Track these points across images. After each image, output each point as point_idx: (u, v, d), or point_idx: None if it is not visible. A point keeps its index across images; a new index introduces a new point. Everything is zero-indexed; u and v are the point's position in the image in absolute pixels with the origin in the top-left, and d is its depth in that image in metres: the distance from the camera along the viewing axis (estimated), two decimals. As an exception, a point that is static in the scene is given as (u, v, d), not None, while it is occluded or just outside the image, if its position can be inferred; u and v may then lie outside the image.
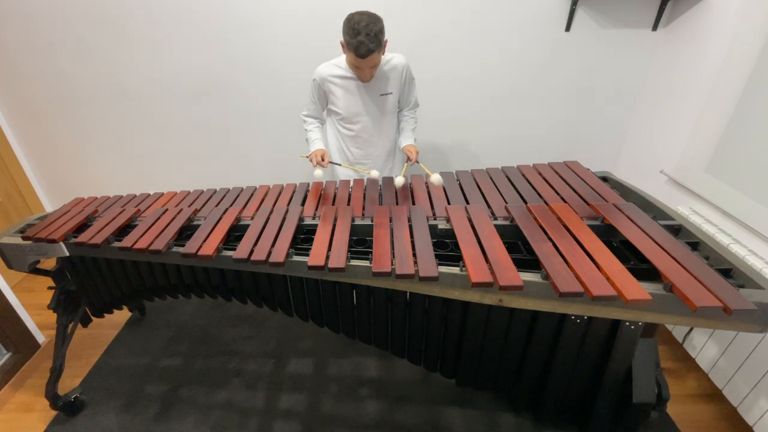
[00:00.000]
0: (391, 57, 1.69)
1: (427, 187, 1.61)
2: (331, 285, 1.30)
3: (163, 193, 1.75)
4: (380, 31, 1.46)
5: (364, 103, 1.72)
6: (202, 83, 2.28)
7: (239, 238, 1.29)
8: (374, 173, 1.62)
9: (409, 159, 1.73)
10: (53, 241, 1.44)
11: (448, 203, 1.47)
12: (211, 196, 1.68)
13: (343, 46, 1.54)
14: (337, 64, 1.69)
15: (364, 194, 1.57)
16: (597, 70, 2.20)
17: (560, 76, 2.22)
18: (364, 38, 1.42)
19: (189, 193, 1.74)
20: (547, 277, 1.03)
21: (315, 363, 1.90)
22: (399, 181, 1.57)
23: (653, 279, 1.05)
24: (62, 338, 1.69)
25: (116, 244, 1.37)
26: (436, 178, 1.50)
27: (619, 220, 1.22)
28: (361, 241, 1.33)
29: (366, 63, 1.51)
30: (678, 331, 1.85)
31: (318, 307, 1.37)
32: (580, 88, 2.25)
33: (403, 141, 1.83)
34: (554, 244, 1.11)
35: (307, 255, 1.19)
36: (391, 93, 1.73)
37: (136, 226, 1.47)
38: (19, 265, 1.55)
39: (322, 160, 1.69)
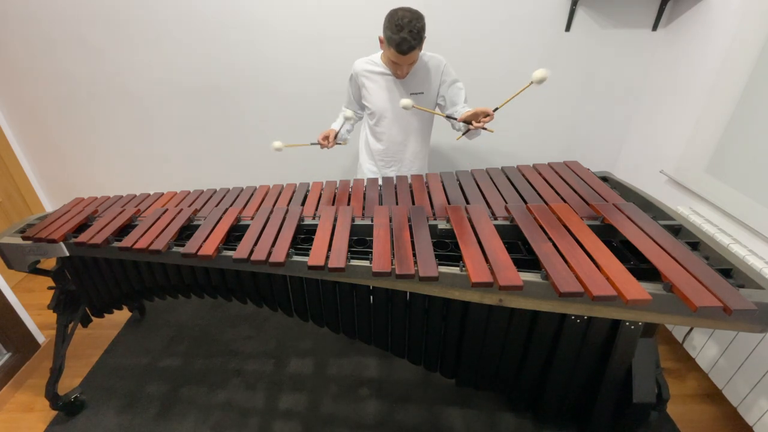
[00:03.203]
0: (429, 57, 1.67)
1: (427, 187, 1.61)
2: (331, 285, 1.30)
3: (163, 193, 1.75)
4: (422, 29, 1.46)
5: (394, 100, 1.70)
6: (203, 83, 2.28)
7: (239, 238, 1.29)
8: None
9: (476, 121, 1.51)
10: (53, 241, 1.44)
11: (448, 203, 1.47)
12: (211, 196, 1.68)
13: (381, 42, 1.54)
14: (372, 59, 1.70)
15: (364, 194, 1.57)
16: (597, 70, 2.20)
17: (560, 76, 2.22)
18: (407, 35, 1.42)
19: (189, 193, 1.74)
20: (547, 277, 1.03)
21: (315, 363, 1.90)
22: (406, 102, 1.49)
23: (653, 279, 1.05)
24: (62, 338, 1.69)
25: (116, 244, 1.37)
26: (539, 73, 1.30)
27: (619, 220, 1.22)
28: (361, 241, 1.33)
29: (405, 60, 1.50)
30: (678, 331, 1.85)
31: (318, 307, 1.37)
32: (579, 88, 2.25)
33: (460, 112, 1.68)
34: (554, 244, 1.11)
35: (307, 255, 1.19)
36: (422, 93, 1.71)
37: (136, 226, 1.47)
38: (19, 265, 1.54)
39: (325, 139, 1.69)
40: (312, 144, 1.72)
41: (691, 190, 1.88)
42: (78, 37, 2.16)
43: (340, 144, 1.76)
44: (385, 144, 1.83)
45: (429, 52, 1.68)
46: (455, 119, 1.63)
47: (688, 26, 1.94)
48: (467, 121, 1.55)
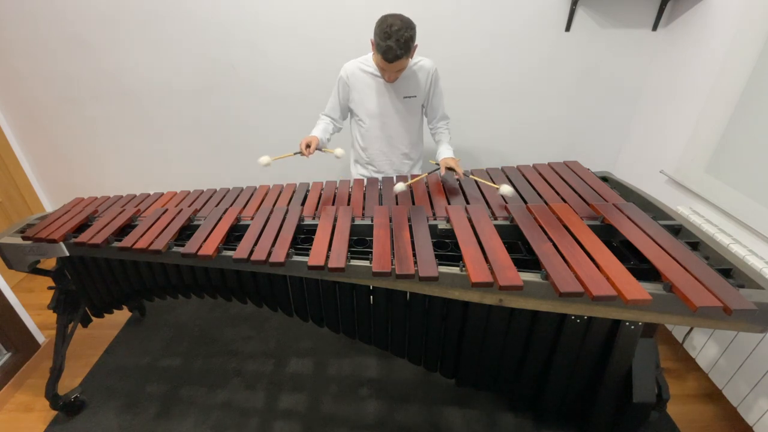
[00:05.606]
0: (420, 60, 1.67)
1: (427, 187, 1.61)
2: (331, 285, 1.30)
3: (163, 193, 1.75)
4: (411, 38, 1.44)
5: (386, 104, 1.70)
6: (203, 83, 2.28)
7: (239, 238, 1.29)
8: (338, 151, 1.62)
9: (454, 170, 1.57)
10: (53, 241, 1.44)
11: (448, 203, 1.47)
12: (211, 196, 1.68)
13: (372, 45, 1.53)
14: (364, 62, 1.68)
15: (364, 194, 1.57)
16: (597, 70, 2.20)
17: (560, 76, 2.22)
18: (393, 43, 1.40)
19: (189, 193, 1.74)
20: (547, 277, 1.03)
21: (315, 363, 1.90)
22: (399, 187, 1.49)
23: (653, 279, 1.05)
24: (62, 338, 1.69)
25: (116, 244, 1.37)
26: (507, 189, 1.41)
27: (619, 220, 1.22)
28: (361, 241, 1.33)
29: (392, 67, 1.51)
30: (678, 331, 1.85)
31: (318, 307, 1.37)
32: (580, 88, 2.25)
33: (442, 154, 1.73)
34: (554, 244, 1.11)
35: (307, 255, 1.19)
36: (415, 96, 1.71)
37: (136, 226, 1.47)
38: (19, 265, 1.54)
39: (308, 147, 1.61)
40: (295, 153, 1.65)
41: (691, 190, 1.88)
42: (78, 37, 2.16)
43: (320, 151, 1.69)
44: (377, 148, 1.81)
45: (421, 55, 1.68)
46: (438, 169, 1.66)
47: (688, 26, 1.94)
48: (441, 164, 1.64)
